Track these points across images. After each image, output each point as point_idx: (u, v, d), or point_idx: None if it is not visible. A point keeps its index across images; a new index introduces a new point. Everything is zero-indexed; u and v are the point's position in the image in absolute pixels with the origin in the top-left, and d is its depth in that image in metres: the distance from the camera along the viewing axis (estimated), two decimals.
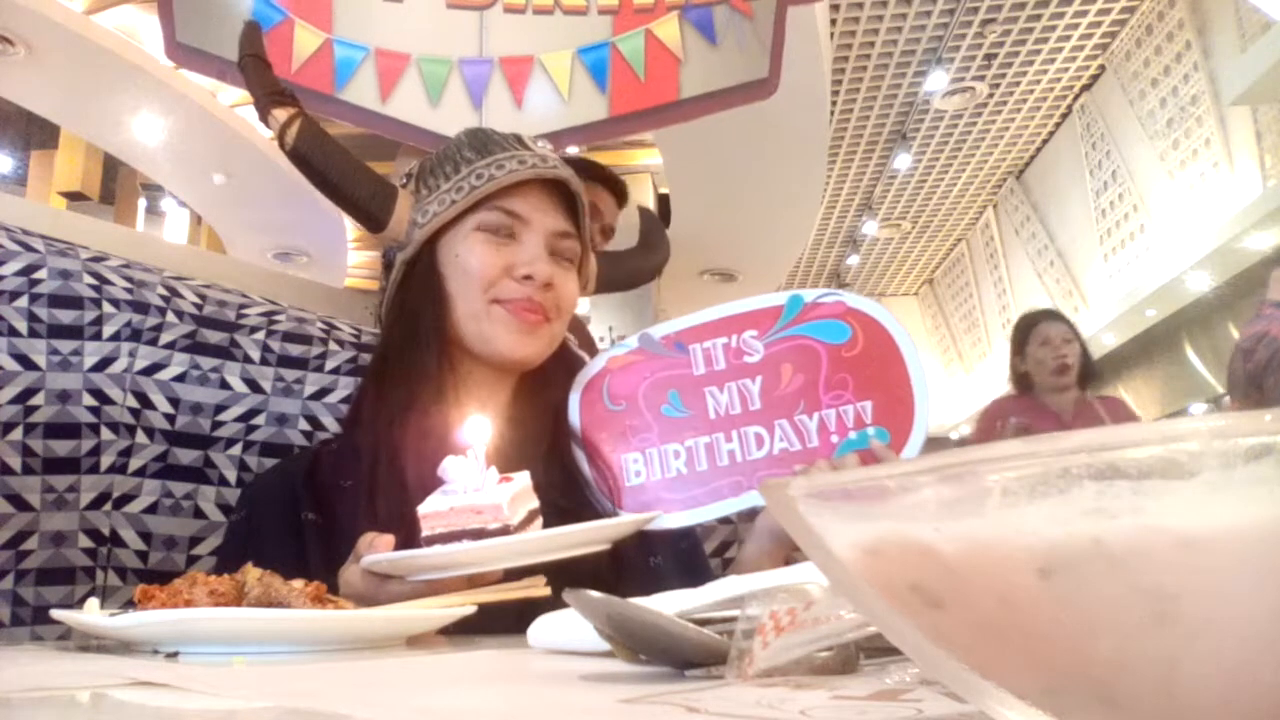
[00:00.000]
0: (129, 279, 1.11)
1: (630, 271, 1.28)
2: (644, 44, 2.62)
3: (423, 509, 0.79)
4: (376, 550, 0.78)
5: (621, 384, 1.07)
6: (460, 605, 0.74)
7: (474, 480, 0.79)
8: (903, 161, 8.60)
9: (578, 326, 1.17)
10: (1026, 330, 3.11)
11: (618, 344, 1.10)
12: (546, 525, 0.84)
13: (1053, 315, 3.23)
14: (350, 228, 6.56)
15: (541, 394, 1.07)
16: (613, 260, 1.22)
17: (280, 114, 1.07)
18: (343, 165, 1.07)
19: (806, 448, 1.00)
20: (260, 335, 1.16)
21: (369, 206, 1.06)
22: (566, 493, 1.01)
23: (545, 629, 0.60)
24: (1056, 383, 3.01)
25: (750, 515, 1.07)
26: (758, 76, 2.69)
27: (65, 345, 1.04)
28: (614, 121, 2.62)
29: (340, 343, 1.20)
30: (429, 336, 1.02)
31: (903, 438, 0.99)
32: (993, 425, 3.10)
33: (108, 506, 1.04)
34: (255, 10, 2.44)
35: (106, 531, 1.04)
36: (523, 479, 0.83)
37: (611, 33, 2.62)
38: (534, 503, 0.84)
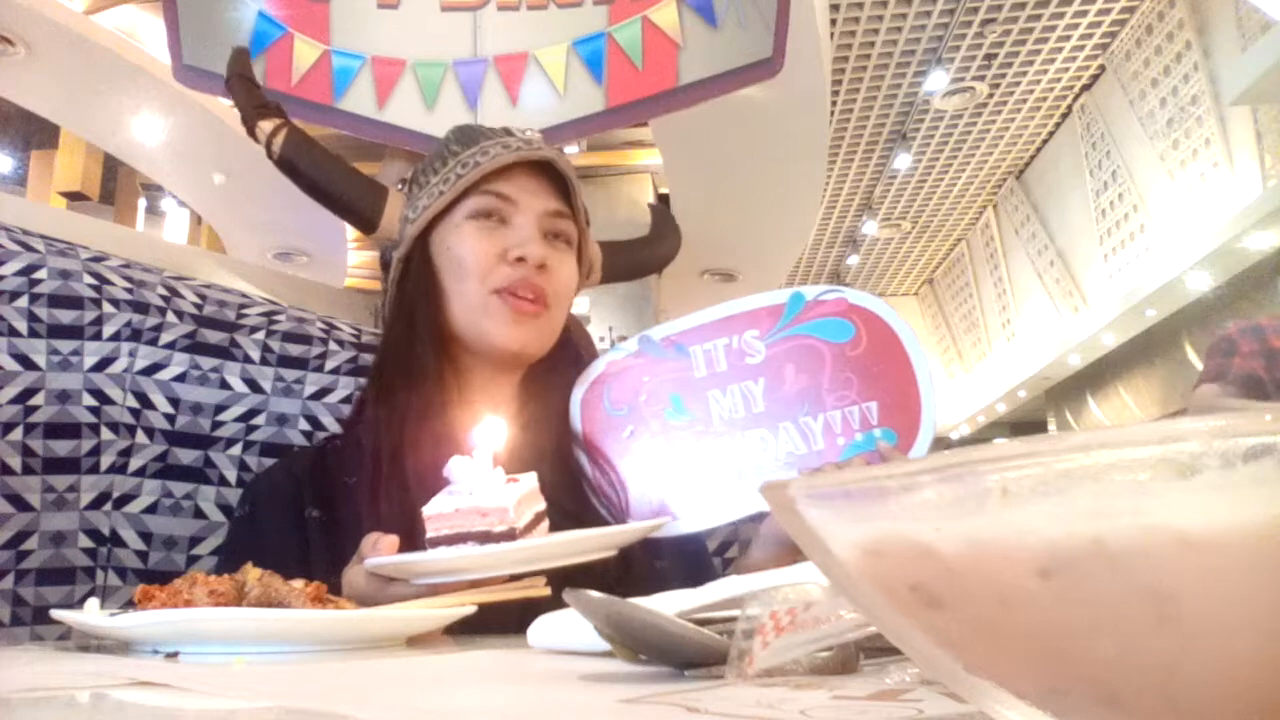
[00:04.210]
0: (129, 279, 1.11)
1: (637, 261, 1.26)
2: (641, 31, 2.55)
3: (428, 510, 0.77)
4: (380, 551, 0.78)
5: (622, 388, 1.05)
6: (460, 605, 0.74)
7: (480, 481, 0.78)
8: (903, 161, 8.60)
9: (575, 327, 1.16)
10: None
11: (617, 346, 1.09)
12: (553, 528, 0.82)
13: None
14: (350, 228, 6.55)
15: (548, 393, 1.06)
16: (619, 249, 1.21)
17: (266, 125, 1.09)
18: (330, 169, 1.08)
19: (812, 450, 0.98)
20: (260, 335, 1.16)
21: (358, 208, 1.07)
22: (572, 495, 1.00)
23: (545, 629, 0.60)
24: None
25: (755, 519, 1.07)
26: (761, 56, 2.60)
27: (65, 345, 1.04)
28: (611, 113, 2.57)
29: (340, 343, 1.20)
30: (426, 332, 1.02)
31: (910, 438, 0.97)
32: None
33: (108, 506, 1.04)
34: (257, 27, 2.44)
35: (106, 531, 1.04)
36: (530, 480, 0.81)
37: (608, 23, 2.57)
38: (541, 504, 0.82)
